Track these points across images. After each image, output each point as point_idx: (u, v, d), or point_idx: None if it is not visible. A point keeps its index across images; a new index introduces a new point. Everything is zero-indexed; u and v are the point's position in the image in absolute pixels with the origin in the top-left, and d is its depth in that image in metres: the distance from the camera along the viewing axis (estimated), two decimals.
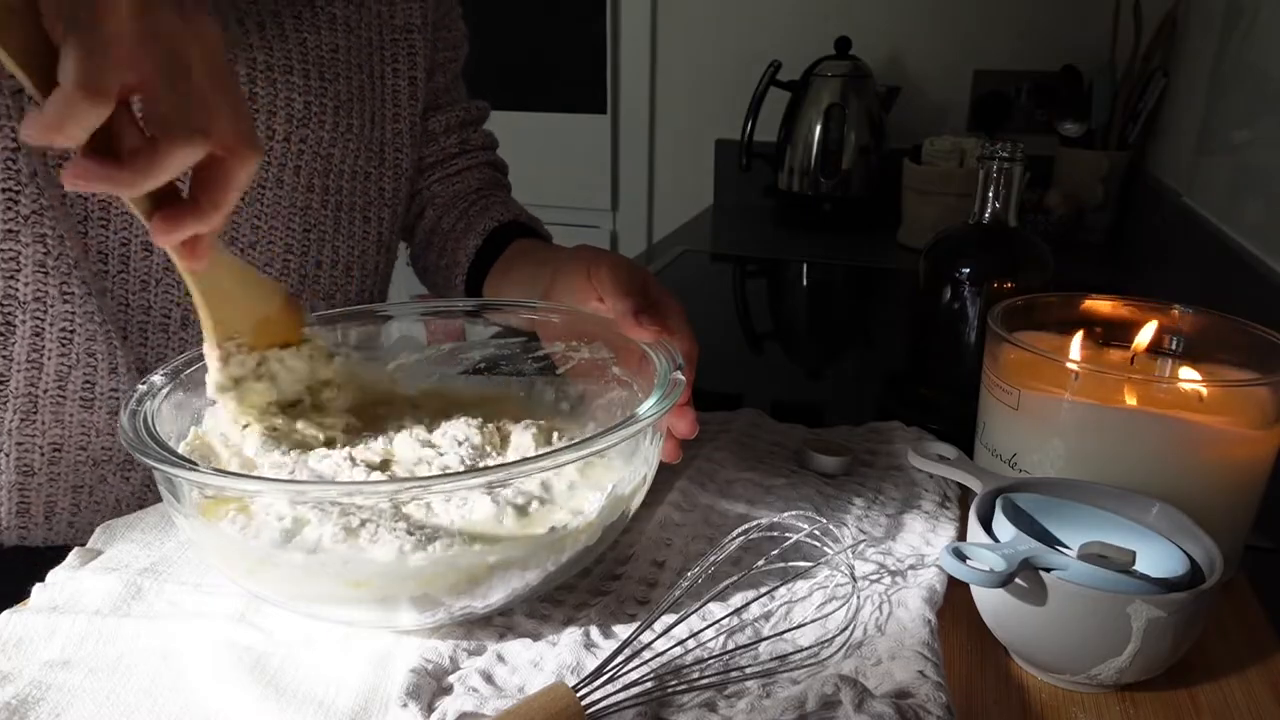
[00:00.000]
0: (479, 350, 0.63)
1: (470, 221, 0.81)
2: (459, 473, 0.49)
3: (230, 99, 0.38)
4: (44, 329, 0.59)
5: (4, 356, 0.59)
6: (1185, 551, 0.45)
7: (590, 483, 0.49)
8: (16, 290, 0.58)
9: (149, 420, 0.46)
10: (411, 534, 0.42)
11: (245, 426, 0.50)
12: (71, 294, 0.59)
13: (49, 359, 0.60)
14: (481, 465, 0.51)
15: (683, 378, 0.50)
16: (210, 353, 0.49)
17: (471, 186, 0.85)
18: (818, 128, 1.57)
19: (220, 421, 0.50)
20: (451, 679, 0.43)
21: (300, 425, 0.51)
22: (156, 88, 0.36)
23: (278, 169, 0.67)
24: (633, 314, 0.54)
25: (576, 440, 0.45)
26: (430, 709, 0.41)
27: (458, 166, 0.85)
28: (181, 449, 0.49)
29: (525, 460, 0.44)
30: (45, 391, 0.61)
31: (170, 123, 0.36)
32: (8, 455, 0.62)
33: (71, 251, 0.58)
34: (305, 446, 0.50)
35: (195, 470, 0.42)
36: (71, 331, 0.60)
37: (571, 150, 1.92)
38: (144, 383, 0.49)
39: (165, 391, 0.49)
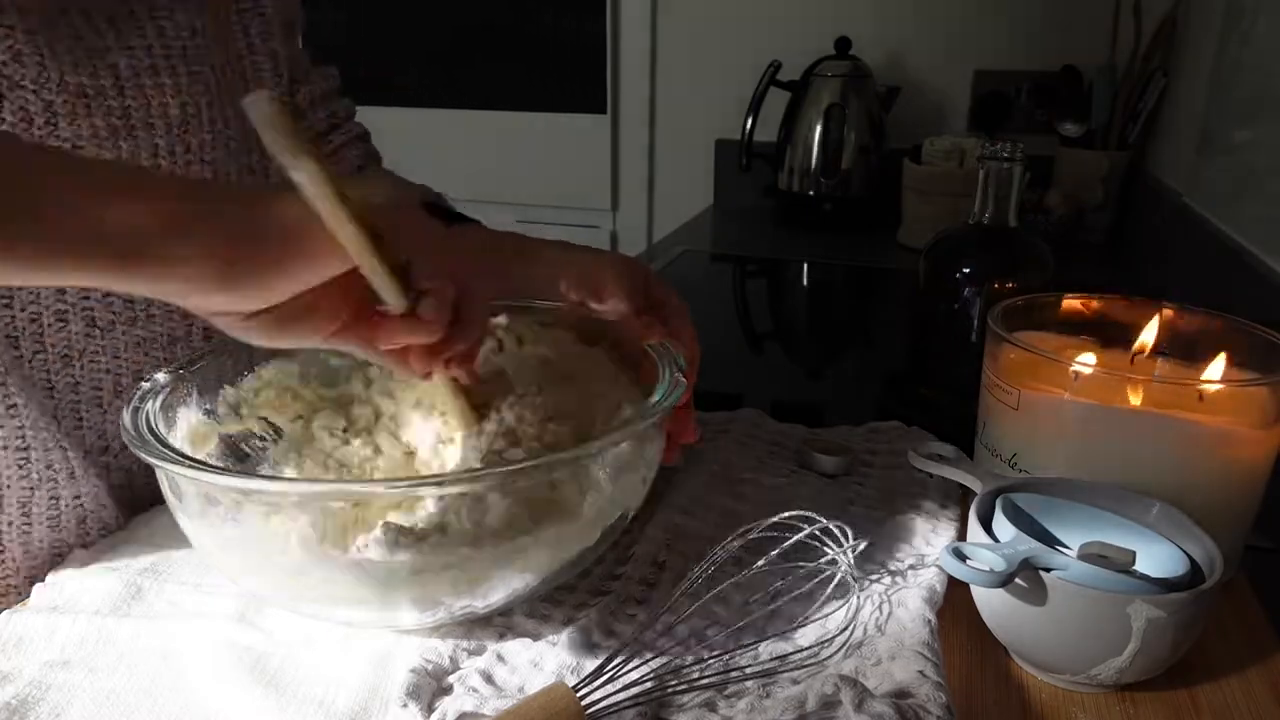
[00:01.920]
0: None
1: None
2: (449, 476, 0.48)
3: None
4: None
5: None
6: (1185, 551, 0.45)
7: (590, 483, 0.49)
8: None
9: (150, 419, 0.46)
10: (409, 534, 0.42)
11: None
12: (15, 406, 0.54)
13: (9, 488, 0.55)
14: (481, 467, 0.50)
15: (684, 380, 0.50)
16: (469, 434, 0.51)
17: (354, 165, 0.79)
18: (818, 128, 1.57)
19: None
20: (451, 679, 0.43)
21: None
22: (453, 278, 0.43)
23: None
24: (636, 315, 0.55)
25: (573, 447, 0.45)
26: (430, 709, 0.41)
27: (332, 144, 0.78)
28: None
29: (524, 461, 0.44)
30: (10, 525, 0.55)
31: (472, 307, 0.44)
32: None
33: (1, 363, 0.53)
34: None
35: (200, 469, 0.41)
36: (27, 449, 0.55)
37: (571, 150, 1.91)
38: (147, 380, 0.49)
39: (167, 390, 0.49)
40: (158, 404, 0.47)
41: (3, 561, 0.56)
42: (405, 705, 0.41)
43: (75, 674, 0.44)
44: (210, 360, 0.53)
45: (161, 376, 0.50)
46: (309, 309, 0.40)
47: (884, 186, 1.58)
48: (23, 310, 0.55)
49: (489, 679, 0.43)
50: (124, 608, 0.49)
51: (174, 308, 0.61)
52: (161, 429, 0.46)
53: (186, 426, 0.50)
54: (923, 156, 1.49)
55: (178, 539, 0.55)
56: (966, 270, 0.75)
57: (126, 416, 0.45)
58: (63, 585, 0.51)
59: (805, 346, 1.18)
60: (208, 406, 0.52)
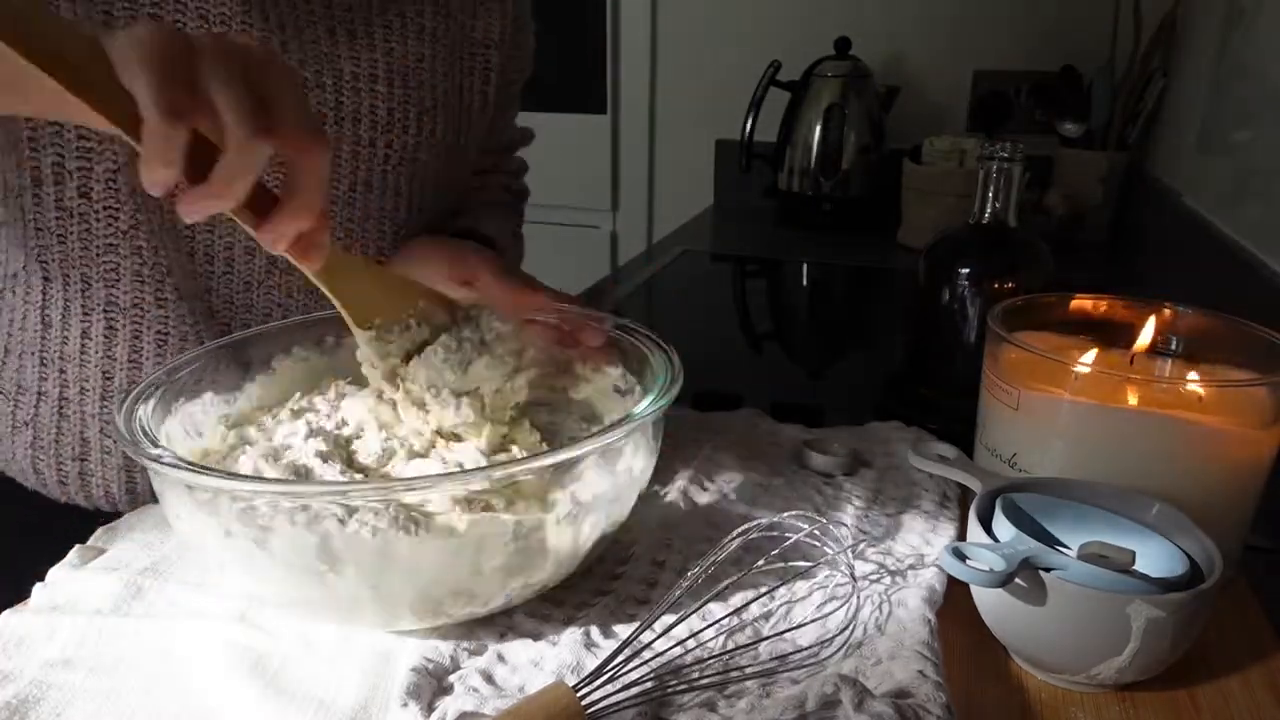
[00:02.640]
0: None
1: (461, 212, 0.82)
2: (441, 475, 0.48)
3: (288, 98, 0.41)
4: (142, 331, 0.64)
5: (109, 356, 0.64)
6: (1185, 551, 0.45)
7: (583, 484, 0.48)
8: (117, 298, 0.62)
9: (144, 422, 0.46)
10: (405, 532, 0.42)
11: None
12: (165, 299, 0.63)
13: (147, 359, 0.64)
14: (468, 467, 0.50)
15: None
16: (357, 334, 0.52)
17: (484, 201, 0.86)
18: (818, 128, 1.57)
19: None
20: (452, 679, 0.43)
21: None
22: (217, 103, 0.39)
23: (365, 173, 0.68)
24: (521, 293, 0.61)
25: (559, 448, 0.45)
26: (430, 708, 0.41)
27: (481, 183, 0.86)
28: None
29: (516, 462, 0.44)
30: None
31: (234, 130, 0.39)
32: (115, 441, 0.66)
33: (165, 261, 0.63)
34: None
35: (197, 472, 0.42)
36: (166, 334, 0.64)
37: (571, 150, 1.91)
38: (140, 383, 0.50)
39: (160, 392, 0.50)
40: (150, 406, 0.48)
41: None
42: (405, 705, 0.41)
43: (76, 674, 0.44)
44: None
45: (159, 376, 0.51)
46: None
47: (884, 186, 1.58)
48: (220, 239, 0.64)
49: (489, 678, 0.43)
50: (124, 607, 0.49)
51: None
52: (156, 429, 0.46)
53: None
54: (923, 156, 1.49)
55: (178, 539, 0.55)
56: (966, 270, 0.75)
57: (119, 419, 0.46)
58: (63, 585, 0.51)
59: (805, 346, 1.18)
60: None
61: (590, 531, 0.47)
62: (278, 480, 0.46)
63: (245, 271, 0.66)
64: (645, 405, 0.48)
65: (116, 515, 0.60)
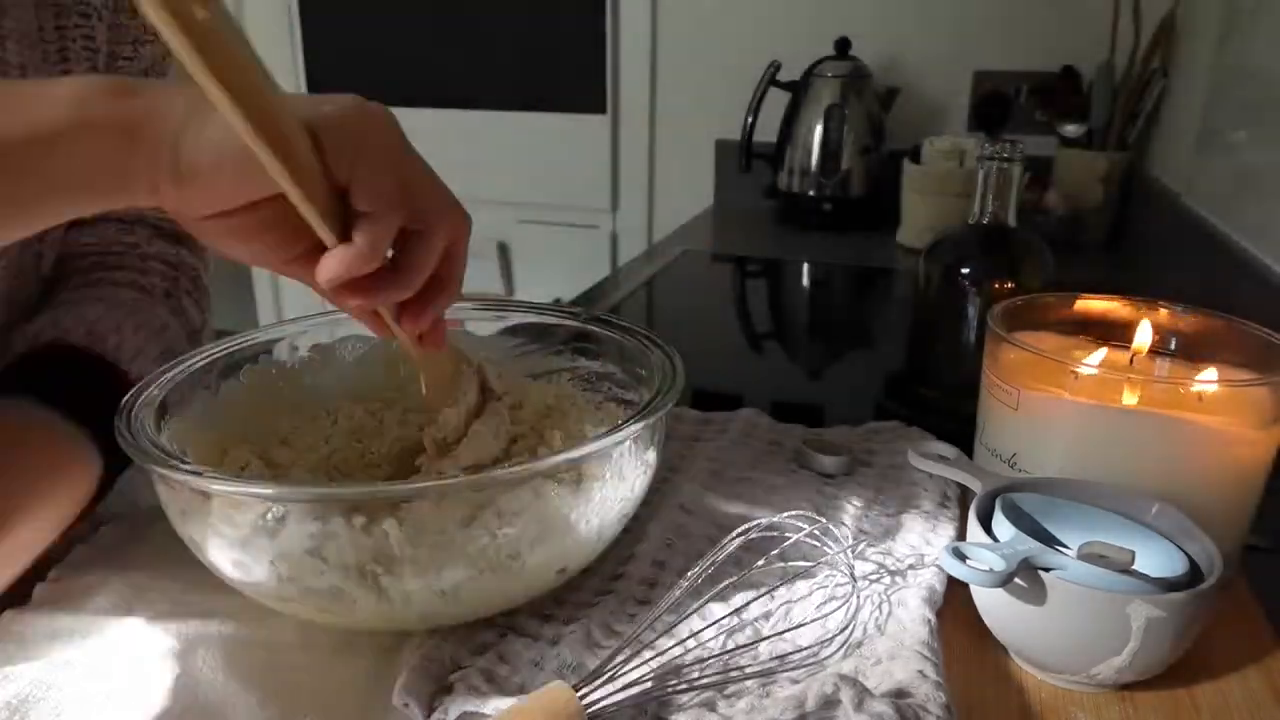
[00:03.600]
0: None
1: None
2: (433, 483, 0.47)
3: (434, 175, 0.41)
4: None
5: None
6: (1185, 551, 0.45)
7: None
8: None
9: (145, 425, 0.46)
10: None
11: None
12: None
13: None
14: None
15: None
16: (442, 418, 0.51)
17: (110, 248, 0.66)
18: (818, 128, 1.57)
19: None
20: (452, 678, 0.43)
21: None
22: (419, 192, 0.40)
23: None
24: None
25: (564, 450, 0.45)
26: (431, 708, 0.41)
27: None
28: None
29: (513, 466, 0.44)
30: None
31: (428, 219, 0.40)
32: None
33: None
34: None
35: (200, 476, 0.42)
36: None
37: (571, 150, 1.92)
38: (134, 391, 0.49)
39: (159, 397, 0.49)
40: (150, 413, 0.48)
41: None
42: (405, 704, 0.41)
43: (76, 673, 0.44)
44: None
45: (153, 390, 0.50)
46: (263, 226, 0.39)
47: (884, 186, 1.58)
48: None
49: (489, 678, 0.43)
50: (125, 607, 0.49)
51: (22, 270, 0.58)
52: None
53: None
54: (923, 156, 1.49)
55: (179, 538, 0.55)
56: (966, 270, 0.75)
57: (120, 423, 0.45)
58: (64, 584, 0.51)
59: (805, 346, 1.18)
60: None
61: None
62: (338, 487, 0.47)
63: None
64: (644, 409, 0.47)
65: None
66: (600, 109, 1.87)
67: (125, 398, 0.48)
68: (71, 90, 0.36)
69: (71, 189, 0.37)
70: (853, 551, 0.51)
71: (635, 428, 0.45)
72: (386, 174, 0.38)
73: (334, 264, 0.38)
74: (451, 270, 0.43)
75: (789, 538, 0.50)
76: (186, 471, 0.42)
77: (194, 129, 0.36)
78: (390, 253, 0.41)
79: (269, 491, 0.43)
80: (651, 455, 0.50)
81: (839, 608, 0.48)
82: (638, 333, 0.57)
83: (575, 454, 0.44)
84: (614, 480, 0.47)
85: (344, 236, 0.38)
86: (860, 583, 0.50)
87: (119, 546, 0.55)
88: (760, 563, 0.48)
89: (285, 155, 0.34)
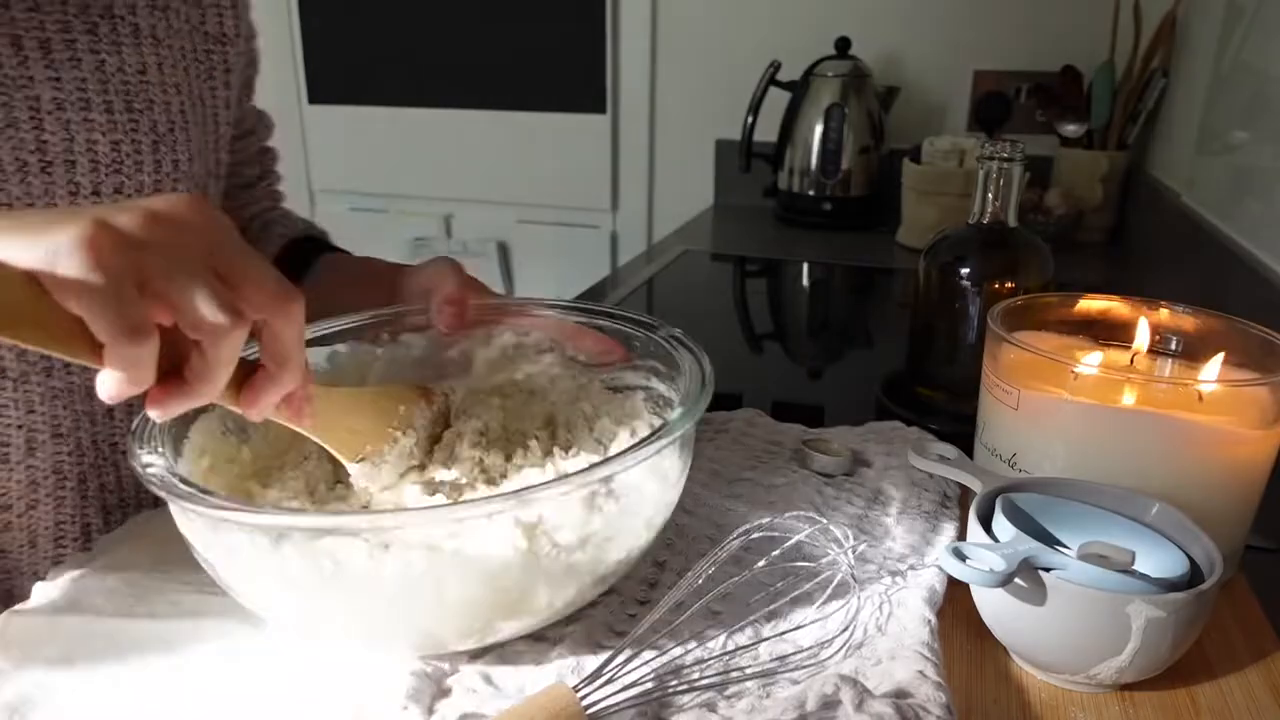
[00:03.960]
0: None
1: (268, 233, 0.75)
2: (468, 501, 0.47)
3: (241, 262, 0.37)
4: (34, 404, 0.55)
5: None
6: (1185, 551, 0.45)
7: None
8: (6, 366, 0.54)
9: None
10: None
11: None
12: (53, 366, 0.56)
13: (42, 442, 0.56)
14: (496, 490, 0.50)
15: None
16: (353, 471, 0.49)
17: (264, 208, 0.78)
18: (818, 128, 1.57)
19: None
20: (450, 681, 0.43)
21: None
22: (173, 298, 0.35)
23: None
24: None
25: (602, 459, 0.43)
26: (430, 711, 0.41)
27: (253, 195, 0.77)
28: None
29: (555, 481, 0.41)
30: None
31: (206, 325, 0.35)
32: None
33: None
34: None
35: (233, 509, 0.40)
36: (58, 408, 0.57)
37: (571, 150, 1.92)
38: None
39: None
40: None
41: None
42: (406, 708, 0.41)
43: (77, 673, 0.44)
44: None
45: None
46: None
47: (884, 186, 1.58)
48: None
49: (489, 680, 0.43)
50: (125, 607, 0.49)
51: None
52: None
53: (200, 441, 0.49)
54: (923, 156, 1.49)
55: (178, 539, 0.55)
56: (966, 270, 0.75)
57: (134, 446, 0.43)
58: (64, 585, 0.51)
59: (805, 346, 1.18)
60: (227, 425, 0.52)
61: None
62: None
63: None
64: (677, 416, 0.46)
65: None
66: (600, 109, 1.87)
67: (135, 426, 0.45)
68: None
69: None
70: (853, 552, 0.51)
71: (664, 442, 0.43)
72: (105, 293, 0.33)
73: (103, 388, 0.35)
74: (275, 355, 0.39)
75: (789, 538, 0.50)
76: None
77: None
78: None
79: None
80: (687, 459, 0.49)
81: (839, 609, 0.48)
82: (674, 338, 0.56)
83: (610, 468, 0.42)
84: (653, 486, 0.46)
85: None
86: (861, 584, 0.50)
87: (119, 546, 0.55)
88: (761, 563, 0.48)
89: (11, 320, 0.32)
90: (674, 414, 0.46)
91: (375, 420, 0.51)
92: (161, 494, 0.40)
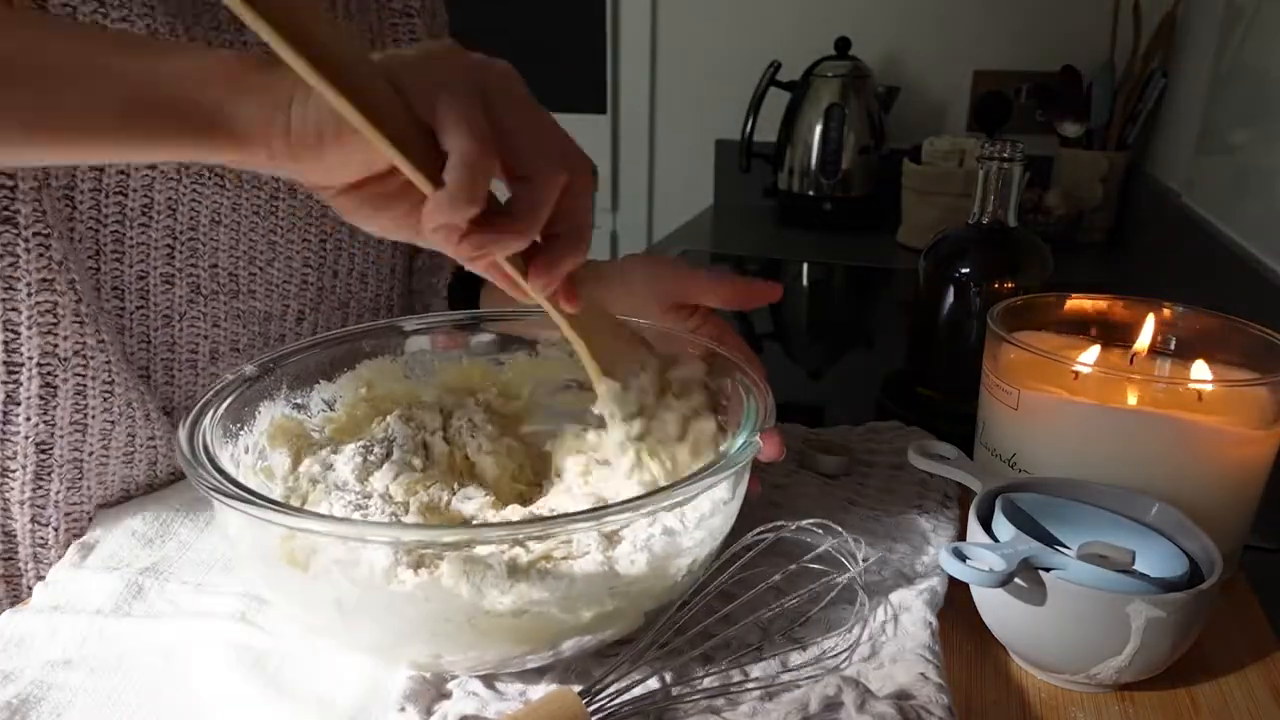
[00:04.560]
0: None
1: None
2: (547, 518, 0.46)
3: (555, 125, 0.40)
4: (86, 385, 0.54)
5: (46, 422, 0.54)
6: (1185, 551, 0.45)
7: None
8: (56, 346, 0.53)
9: (209, 449, 0.43)
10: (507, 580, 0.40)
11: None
12: (104, 341, 0.55)
13: (93, 418, 0.55)
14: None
15: (759, 442, 0.46)
16: (604, 387, 0.48)
17: None
18: (818, 128, 1.57)
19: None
20: (451, 685, 0.43)
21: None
22: (514, 134, 0.37)
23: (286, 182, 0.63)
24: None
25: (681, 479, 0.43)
26: (429, 712, 0.41)
27: None
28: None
29: (635, 501, 0.41)
30: (90, 454, 0.57)
31: (534, 162, 0.37)
32: (55, 529, 0.57)
33: (90, 293, 0.55)
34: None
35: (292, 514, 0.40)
36: (111, 383, 0.56)
37: None
38: (233, 374, 0.48)
39: (213, 416, 0.46)
40: (218, 414, 0.46)
41: (79, 488, 0.57)
42: (403, 709, 0.41)
43: (77, 673, 0.44)
44: (306, 354, 0.53)
45: (249, 369, 0.49)
46: (389, 199, 0.39)
47: (884, 186, 1.58)
48: (131, 267, 0.57)
49: (490, 684, 0.43)
50: (125, 607, 0.49)
51: (273, 284, 0.64)
52: (225, 435, 0.45)
53: (269, 421, 0.50)
54: (923, 156, 1.49)
55: (179, 538, 0.55)
56: (966, 270, 0.75)
57: (183, 436, 0.43)
58: (64, 585, 0.51)
59: (805, 346, 1.18)
60: (298, 401, 0.52)
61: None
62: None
63: (164, 304, 0.59)
64: (738, 444, 0.45)
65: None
66: (600, 109, 1.87)
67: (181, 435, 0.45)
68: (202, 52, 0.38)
69: (175, 116, 0.36)
70: (863, 561, 0.50)
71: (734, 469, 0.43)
72: (468, 109, 0.36)
73: (430, 209, 0.36)
74: (573, 223, 0.40)
75: (799, 542, 0.49)
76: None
77: (299, 100, 0.36)
78: None
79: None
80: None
81: (850, 623, 0.47)
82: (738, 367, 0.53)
83: (688, 491, 0.42)
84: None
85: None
86: (869, 592, 0.50)
87: (119, 546, 0.55)
88: (777, 577, 0.47)
89: (362, 104, 0.34)
90: (735, 443, 0.45)
91: (626, 343, 0.49)
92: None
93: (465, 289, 0.76)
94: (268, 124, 0.36)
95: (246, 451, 0.49)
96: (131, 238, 0.57)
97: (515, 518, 0.48)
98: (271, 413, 0.51)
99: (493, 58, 0.39)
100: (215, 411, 0.46)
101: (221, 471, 0.41)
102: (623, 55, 1.82)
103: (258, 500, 0.39)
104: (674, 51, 1.80)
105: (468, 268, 0.42)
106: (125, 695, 0.43)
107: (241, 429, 0.49)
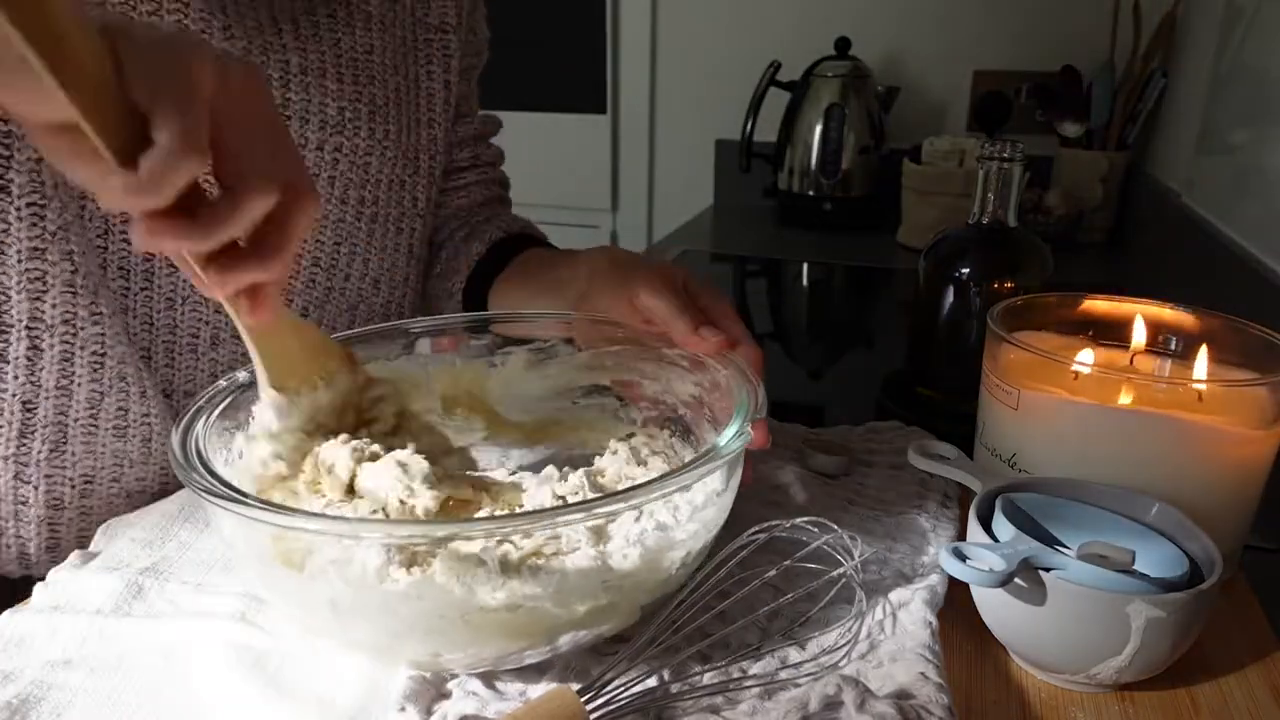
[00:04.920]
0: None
1: (474, 230, 0.78)
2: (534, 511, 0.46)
3: (288, 144, 0.39)
4: (74, 353, 0.56)
5: (32, 382, 0.55)
6: (1185, 551, 0.45)
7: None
8: (44, 312, 0.54)
9: (202, 453, 0.43)
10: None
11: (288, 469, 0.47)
12: (100, 314, 0.56)
13: (79, 385, 0.57)
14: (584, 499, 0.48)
15: (751, 431, 0.45)
16: (267, 395, 0.47)
17: (476, 201, 0.83)
18: (818, 128, 1.57)
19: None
20: (451, 685, 0.43)
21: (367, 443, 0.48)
22: (235, 141, 0.36)
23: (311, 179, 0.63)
24: (692, 330, 0.53)
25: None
26: (429, 712, 0.41)
27: (465, 180, 0.82)
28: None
29: (629, 491, 0.41)
30: (76, 420, 0.58)
31: (245, 174, 0.36)
32: (35, 488, 0.58)
33: (94, 271, 0.56)
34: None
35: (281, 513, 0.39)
36: (103, 354, 0.57)
37: (571, 150, 1.92)
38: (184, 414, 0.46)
39: (207, 420, 0.46)
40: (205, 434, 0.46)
41: (63, 452, 0.58)
42: (403, 709, 0.41)
43: (77, 673, 0.44)
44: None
45: (243, 375, 0.49)
46: (89, 157, 0.35)
47: (884, 186, 1.58)
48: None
49: (489, 683, 0.43)
50: (125, 607, 0.49)
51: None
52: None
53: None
54: (923, 156, 1.49)
55: (179, 539, 0.55)
56: (966, 270, 0.75)
57: (176, 446, 0.43)
58: (64, 585, 0.51)
59: (805, 346, 1.18)
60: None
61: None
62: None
63: (167, 286, 0.60)
64: (729, 435, 0.45)
65: (27, 580, 0.54)
66: (600, 109, 1.87)
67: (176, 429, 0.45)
68: None
69: None
70: (861, 559, 0.50)
71: (722, 460, 0.43)
72: (187, 104, 0.34)
73: (113, 187, 0.34)
74: (268, 240, 0.39)
75: (796, 541, 0.49)
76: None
77: None
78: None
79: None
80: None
81: (847, 620, 0.48)
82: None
83: (668, 486, 0.41)
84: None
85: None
86: (866, 591, 0.50)
87: (119, 547, 0.55)
88: (773, 573, 0.47)
89: (56, 56, 0.31)
90: (727, 433, 0.45)
91: (310, 356, 0.48)
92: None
93: (478, 289, 0.77)
94: None
95: (241, 456, 0.48)
96: None
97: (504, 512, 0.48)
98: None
99: (242, 60, 0.38)
100: (209, 416, 0.46)
101: (212, 473, 0.41)
102: (623, 55, 1.82)
103: (247, 500, 0.39)
104: (674, 51, 1.80)
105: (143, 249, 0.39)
106: (125, 695, 0.43)
107: (238, 429, 0.49)
